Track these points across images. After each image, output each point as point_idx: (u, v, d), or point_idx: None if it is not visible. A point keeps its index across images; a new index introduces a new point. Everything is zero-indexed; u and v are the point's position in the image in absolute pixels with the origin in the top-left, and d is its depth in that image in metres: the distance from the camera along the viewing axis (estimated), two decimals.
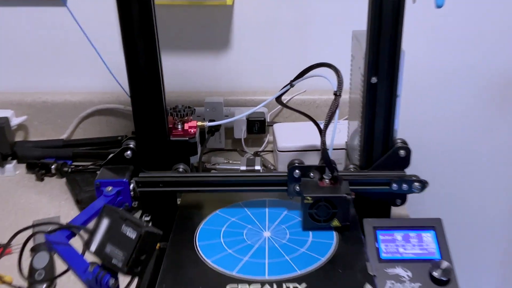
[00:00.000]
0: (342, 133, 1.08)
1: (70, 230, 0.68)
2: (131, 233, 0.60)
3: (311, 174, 0.83)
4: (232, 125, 1.20)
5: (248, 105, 1.23)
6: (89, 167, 1.11)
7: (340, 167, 0.83)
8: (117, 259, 0.60)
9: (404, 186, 0.82)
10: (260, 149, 1.22)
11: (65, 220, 0.99)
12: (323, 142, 0.80)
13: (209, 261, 0.75)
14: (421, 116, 1.30)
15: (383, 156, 0.83)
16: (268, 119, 1.22)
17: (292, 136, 1.12)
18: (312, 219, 0.80)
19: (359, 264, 0.74)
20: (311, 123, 1.16)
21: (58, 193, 1.08)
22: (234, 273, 0.72)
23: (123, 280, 0.62)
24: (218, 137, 1.20)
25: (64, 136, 1.23)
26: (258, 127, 1.19)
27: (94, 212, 0.73)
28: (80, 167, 1.12)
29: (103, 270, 0.61)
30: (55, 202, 1.04)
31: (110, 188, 0.79)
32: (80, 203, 1.02)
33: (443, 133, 1.33)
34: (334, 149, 1.06)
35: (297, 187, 0.83)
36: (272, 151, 1.21)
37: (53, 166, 1.11)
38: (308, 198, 0.79)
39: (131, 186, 0.81)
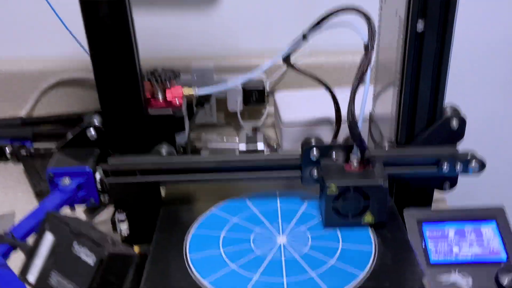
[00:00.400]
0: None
1: (7, 244, 0.47)
2: (88, 257, 0.38)
3: (334, 155, 0.62)
4: (225, 96, 0.98)
5: (243, 71, 1.00)
6: (52, 150, 0.89)
7: None
8: None
9: (459, 166, 0.61)
10: (259, 123, 1.01)
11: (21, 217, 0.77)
12: (352, 113, 0.58)
13: (205, 283, 0.53)
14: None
15: (428, 128, 0.62)
16: (267, 88, 1.00)
17: (298, 107, 0.91)
18: (338, 214, 0.60)
19: (411, 280, 0.53)
20: (319, 91, 0.95)
21: (14, 183, 0.88)
22: None
23: None
24: (209, 110, 0.99)
25: (22, 113, 1.02)
26: (256, 97, 0.98)
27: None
28: (41, 150, 0.90)
29: None
30: (10, 194, 0.85)
31: (67, 180, 0.57)
32: (40, 195, 0.81)
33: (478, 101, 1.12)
34: None
35: (315, 173, 0.62)
36: (273, 126, 1.00)
37: (8, 150, 0.91)
38: (333, 187, 0.58)
39: (97, 176, 0.60)
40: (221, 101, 0.99)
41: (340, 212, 0.60)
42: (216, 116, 1.00)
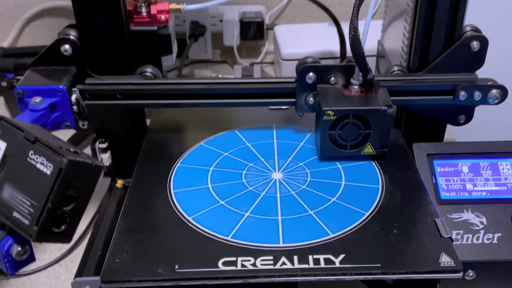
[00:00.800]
0: (370, 33, 0.80)
1: None
2: (45, 166, 0.32)
3: (332, 78, 0.55)
4: (220, 30, 0.91)
5: (240, 3, 0.93)
6: None
7: None
8: (21, 212, 0.32)
9: (477, 94, 0.54)
10: (258, 60, 0.93)
11: None
12: (354, 27, 0.51)
13: (190, 219, 0.47)
14: None
15: (445, 51, 0.55)
16: (267, 21, 0.92)
17: (299, 41, 0.84)
18: (335, 144, 0.53)
19: (422, 221, 0.47)
20: (323, 26, 0.88)
21: None
22: (229, 238, 0.45)
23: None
24: (204, 45, 0.91)
25: (4, 44, 0.94)
26: (254, 31, 0.90)
27: None
28: None
29: (1, 229, 0.33)
30: None
31: (38, 99, 0.51)
32: None
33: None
34: None
35: (311, 98, 0.55)
36: (272, 63, 0.93)
37: None
38: (330, 112, 0.51)
39: (73, 96, 0.53)
40: (217, 36, 0.92)
41: (338, 141, 0.53)
42: (211, 52, 0.93)
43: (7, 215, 0.33)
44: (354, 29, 0.50)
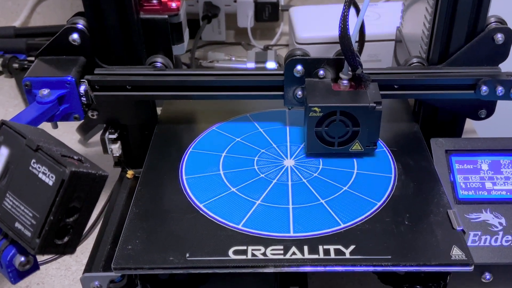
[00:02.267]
0: (389, 17, 0.77)
1: None
2: (47, 176, 0.30)
3: (321, 72, 0.52)
4: (234, 11, 0.87)
5: None
6: None
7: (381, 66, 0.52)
8: (23, 223, 0.31)
9: (500, 89, 0.51)
10: (272, 42, 0.90)
11: None
12: (344, 19, 0.48)
13: (201, 206, 0.46)
14: None
15: (467, 43, 0.52)
16: (282, 2, 0.89)
17: (315, 23, 0.81)
18: (322, 141, 0.51)
19: (435, 212, 0.45)
20: (340, 7, 0.85)
21: (6, 97, 0.80)
22: (239, 227, 0.44)
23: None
24: (217, 26, 0.88)
25: (16, 23, 0.93)
26: (269, 12, 0.87)
27: None
28: None
29: (4, 238, 0.32)
30: (1, 108, 0.78)
31: (46, 91, 0.49)
32: None
33: None
34: (375, 40, 0.76)
35: (299, 92, 0.53)
36: (287, 45, 0.90)
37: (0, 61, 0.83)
38: (316, 109, 0.49)
39: (82, 88, 0.51)
40: (231, 17, 0.89)
41: (325, 138, 0.51)
42: (225, 34, 0.90)
43: (9, 225, 0.31)
44: (344, 21, 0.47)
